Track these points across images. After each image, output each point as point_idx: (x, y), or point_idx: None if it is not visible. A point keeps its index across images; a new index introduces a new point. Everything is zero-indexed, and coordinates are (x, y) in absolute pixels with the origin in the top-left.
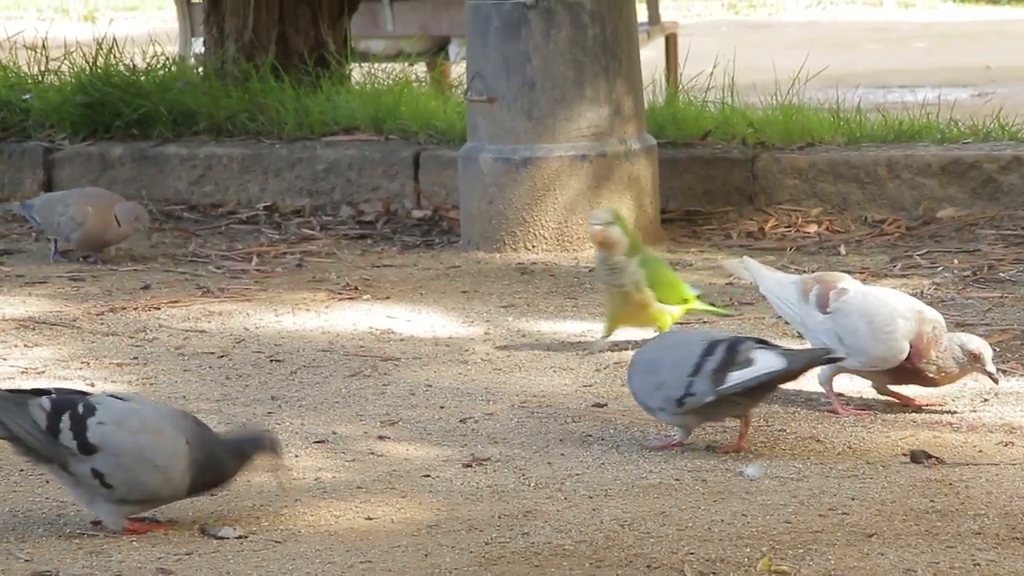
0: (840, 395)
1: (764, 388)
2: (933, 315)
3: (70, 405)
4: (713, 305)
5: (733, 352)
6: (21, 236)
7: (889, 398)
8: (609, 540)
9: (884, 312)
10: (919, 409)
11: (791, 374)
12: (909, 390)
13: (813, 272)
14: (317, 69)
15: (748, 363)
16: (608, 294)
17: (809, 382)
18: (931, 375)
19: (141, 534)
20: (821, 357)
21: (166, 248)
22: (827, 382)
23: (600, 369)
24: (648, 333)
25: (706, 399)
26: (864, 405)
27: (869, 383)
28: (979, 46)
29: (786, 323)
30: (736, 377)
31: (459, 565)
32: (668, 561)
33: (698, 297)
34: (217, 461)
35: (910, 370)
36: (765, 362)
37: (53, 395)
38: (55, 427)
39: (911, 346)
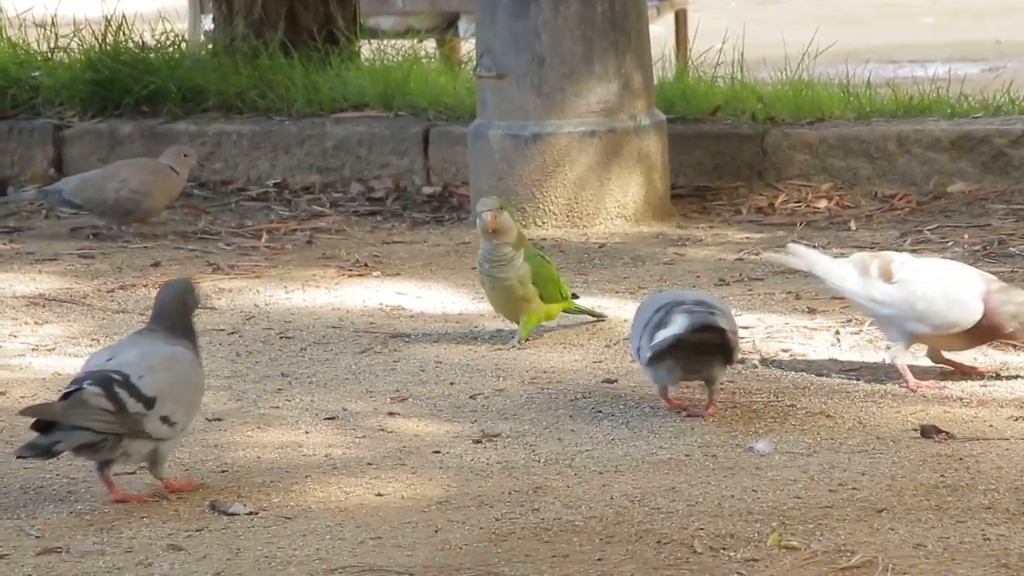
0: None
1: (694, 349)
2: (992, 277)
3: (108, 380)
4: (584, 308)
5: (668, 313)
6: (31, 213)
7: (945, 367)
8: (619, 516)
9: (954, 277)
10: (981, 376)
11: (686, 338)
12: (965, 357)
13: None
14: (326, 46)
15: (668, 324)
16: (489, 287)
17: (824, 352)
18: (1011, 327)
19: (176, 490)
20: (704, 323)
21: (176, 225)
22: (939, 358)
23: (610, 345)
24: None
25: (648, 356)
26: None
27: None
28: (989, 21)
29: (796, 298)
30: (657, 337)
31: (469, 541)
32: (678, 537)
33: (574, 296)
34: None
35: (988, 329)
36: (674, 325)
37: (89, 380)
38: (120, 402)
39: (984, 305)
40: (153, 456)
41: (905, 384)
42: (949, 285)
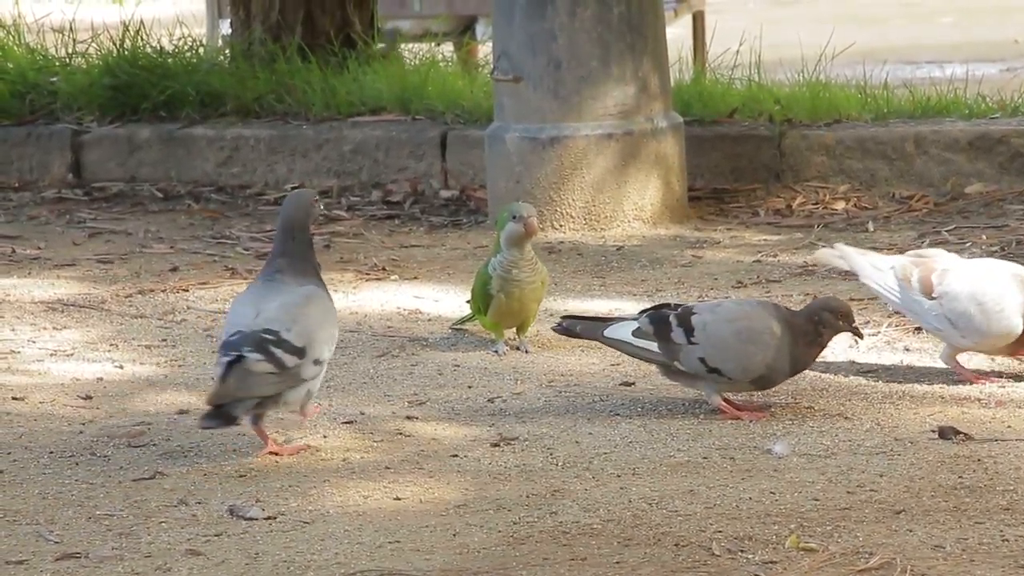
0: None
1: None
2: None
3: (264, 343)
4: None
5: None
6: (50, 219)
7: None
8: (637, 519)
9: (992, 291)
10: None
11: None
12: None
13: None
14: (344, 49)
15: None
16: (506, 293)
17: (841, 353)
18: None
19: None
20: (598, 332)
21: (194, 230)
22: (950, 359)
23: None
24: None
25: None
26: (990, 373)
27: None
28: (1008, 21)
29: (814, 299)
30: None
31: (487, 544)
32: (696, 539)
33: None
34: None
35: None
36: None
37: (248, 348)
38: (279, 362)
39: None
40: (307, 397)
41: (967, 380)
42: (989, 301)
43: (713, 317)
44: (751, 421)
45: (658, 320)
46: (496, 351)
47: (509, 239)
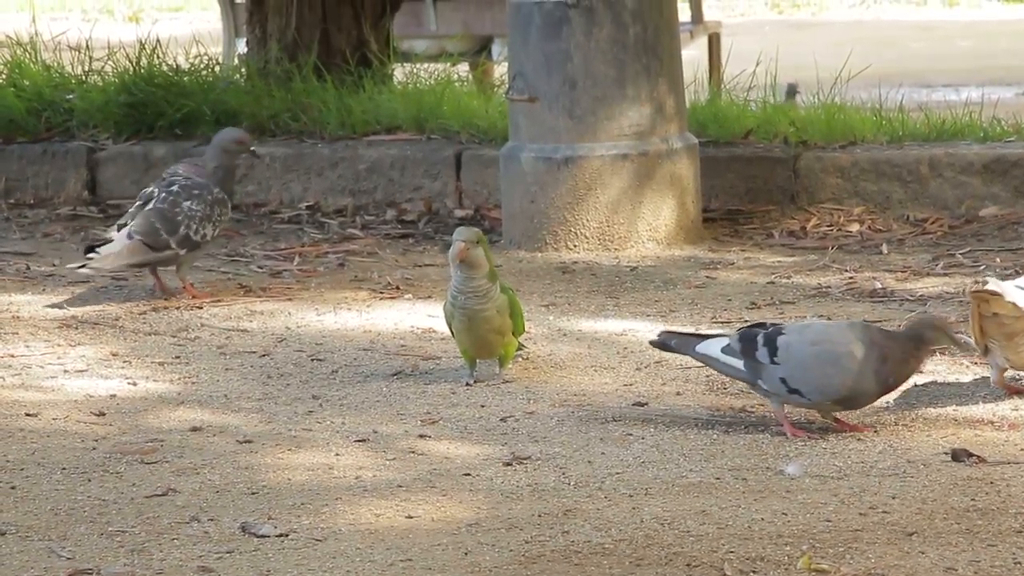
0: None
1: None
2: None
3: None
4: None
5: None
6: (65, 236)
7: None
8: (649, 539)
9: None
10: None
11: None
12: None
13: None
14: (359, 69)
15: None
16: (462, 320)
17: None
18: None
19: None
20: (691, 348)
21: (209, 247)
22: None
23: (641, 368)
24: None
25: None
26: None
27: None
28: None
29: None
30: None
31: (499, 563)
32: (708, 560)
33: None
34: None
35: None
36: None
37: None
38: None
39: None
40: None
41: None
42: None
43: (797, 338)
44: (799, 439)
45: (746, 338)
46: (465, 380)
47: (449, 260)
